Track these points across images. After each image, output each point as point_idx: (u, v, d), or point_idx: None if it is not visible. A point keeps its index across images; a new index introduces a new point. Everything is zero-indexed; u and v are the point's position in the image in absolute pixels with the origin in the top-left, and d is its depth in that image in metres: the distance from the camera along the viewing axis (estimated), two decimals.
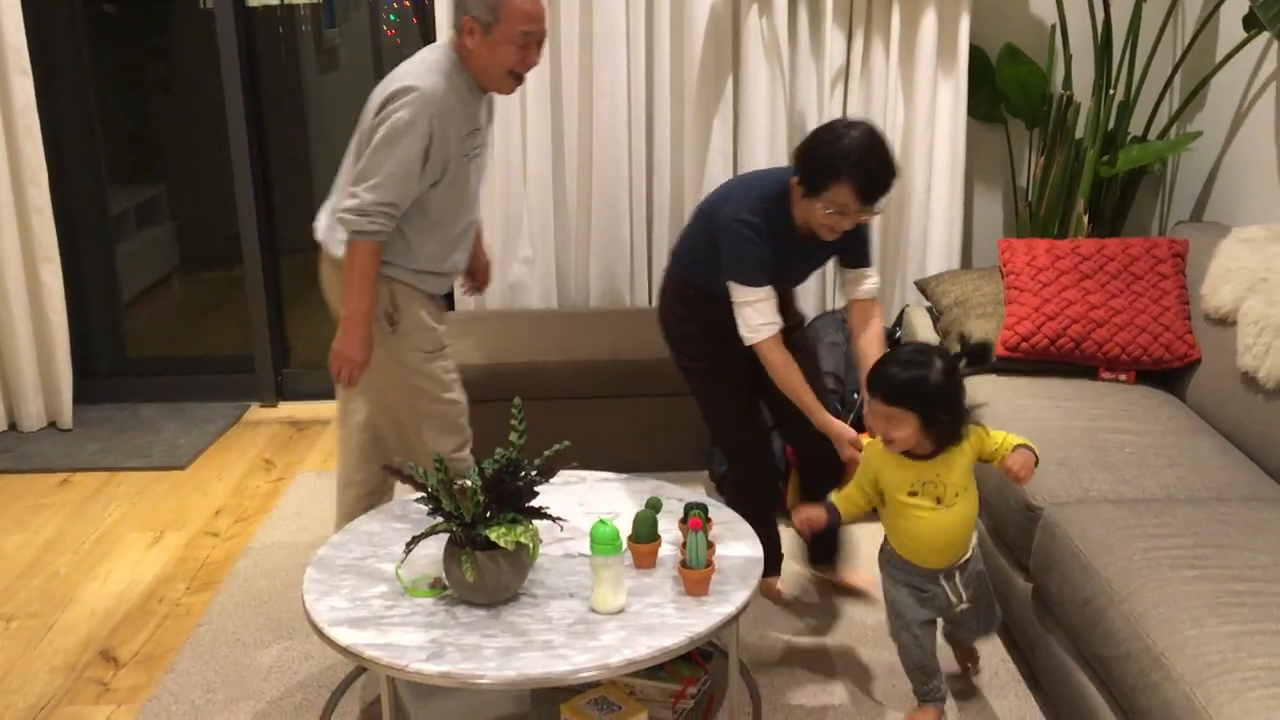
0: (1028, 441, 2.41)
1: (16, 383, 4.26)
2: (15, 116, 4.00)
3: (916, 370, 2.31)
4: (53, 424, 4.37)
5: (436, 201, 2.71)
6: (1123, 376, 3.23)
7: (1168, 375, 3.25)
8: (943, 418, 2.31)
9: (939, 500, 2.38)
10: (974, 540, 2.50)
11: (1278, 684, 1.87)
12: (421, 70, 2.63)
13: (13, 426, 4.34)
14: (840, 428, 2.69)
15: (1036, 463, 2.37)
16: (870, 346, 2.79)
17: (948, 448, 2.36)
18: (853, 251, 2.83)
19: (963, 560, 2.47)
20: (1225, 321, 3.06)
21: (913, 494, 2.39)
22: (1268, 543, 2.30)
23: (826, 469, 2.95)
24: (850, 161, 2.50)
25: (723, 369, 2.88)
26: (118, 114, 4.70)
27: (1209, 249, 3.22)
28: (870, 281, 2.85)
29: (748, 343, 2.71)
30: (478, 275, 3.15)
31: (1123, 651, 2.13)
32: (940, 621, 2.59)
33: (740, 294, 2.68)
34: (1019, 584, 2.71)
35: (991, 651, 2.83)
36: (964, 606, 2.49)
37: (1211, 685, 1.91)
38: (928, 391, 2.29)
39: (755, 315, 2.68)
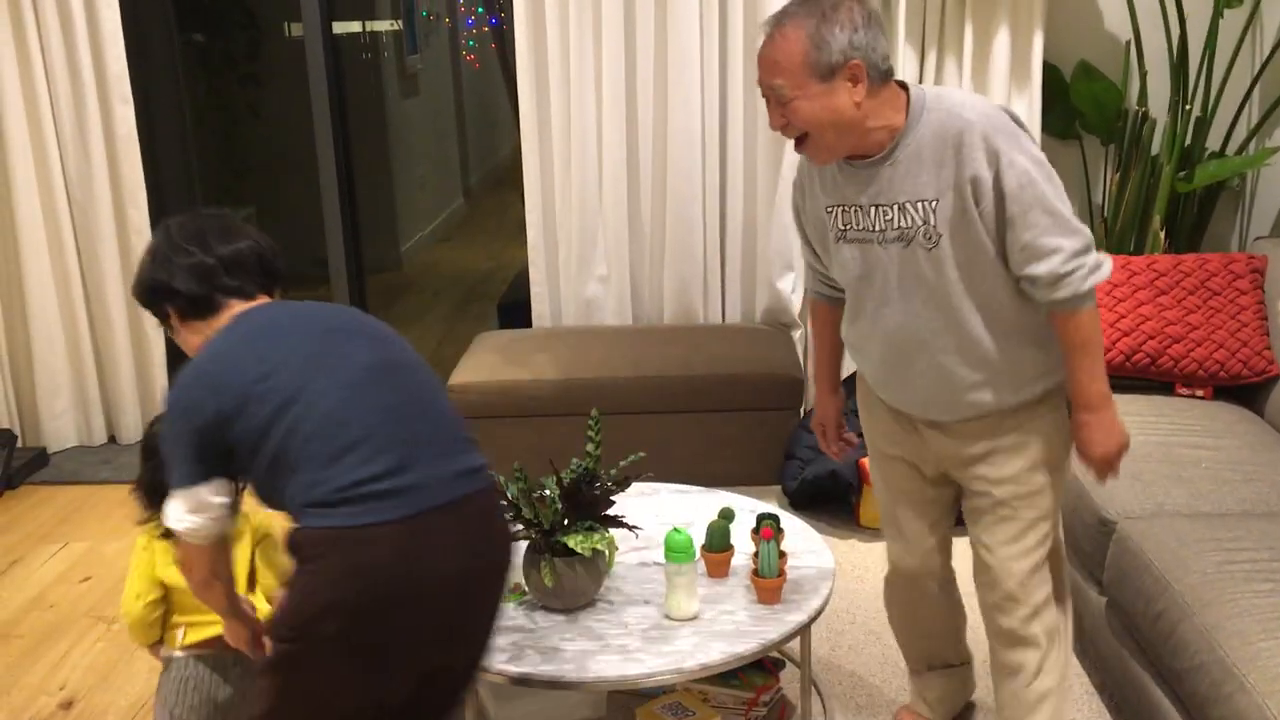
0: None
1: (116, 397, 4.44)
2: (117, 143, 4.19)
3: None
4: None
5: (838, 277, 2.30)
6: (1200, 392, 3.22)
7: (1246, 391, 3.23)
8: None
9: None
10: None
11: None
12: None
13: (112, 439, 4.52)
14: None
15: None
16: None
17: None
18: None
19: None
20: None
21: None
22: None
23: None
24: None
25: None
26: (211, 139, 4.89)
27: None
28: None
29: None
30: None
31: (1196, 663, 2.14)
32: None
33: None
34: (1093, 597, 2.71)
35: None
36: None
37: None
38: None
39: None
